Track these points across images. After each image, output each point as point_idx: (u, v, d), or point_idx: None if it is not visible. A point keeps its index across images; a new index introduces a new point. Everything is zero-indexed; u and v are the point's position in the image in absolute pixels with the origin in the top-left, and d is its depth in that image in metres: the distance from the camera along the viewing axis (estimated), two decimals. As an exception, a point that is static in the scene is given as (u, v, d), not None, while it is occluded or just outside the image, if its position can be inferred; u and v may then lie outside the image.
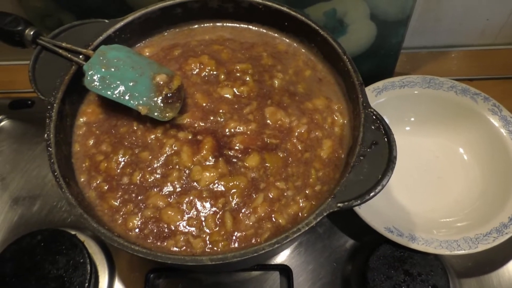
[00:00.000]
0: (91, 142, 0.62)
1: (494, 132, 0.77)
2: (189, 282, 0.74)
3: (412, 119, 0.83)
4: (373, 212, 0.70)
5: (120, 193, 0.58)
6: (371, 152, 0.55)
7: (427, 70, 0.94)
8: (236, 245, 0.55)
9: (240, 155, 0.60)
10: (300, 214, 0.57)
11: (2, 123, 0.90)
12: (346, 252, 0.75)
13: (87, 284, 0.69)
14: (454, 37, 0.94)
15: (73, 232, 0.73)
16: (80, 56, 0.63)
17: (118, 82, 0.61)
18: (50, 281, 0.69)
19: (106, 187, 0.59)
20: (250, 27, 0.72)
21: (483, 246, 0.67)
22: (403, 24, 0.80)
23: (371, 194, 0.52)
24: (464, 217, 0.73)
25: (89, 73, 0.61)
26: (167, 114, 0.61)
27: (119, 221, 0.57)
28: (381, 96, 0.80)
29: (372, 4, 0.77)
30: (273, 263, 0.75)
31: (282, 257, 0.76)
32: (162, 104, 0.62)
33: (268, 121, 0.63)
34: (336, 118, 0.64)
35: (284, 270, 0.72)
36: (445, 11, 0.87)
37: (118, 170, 0.60)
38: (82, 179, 0.60)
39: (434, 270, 0.68)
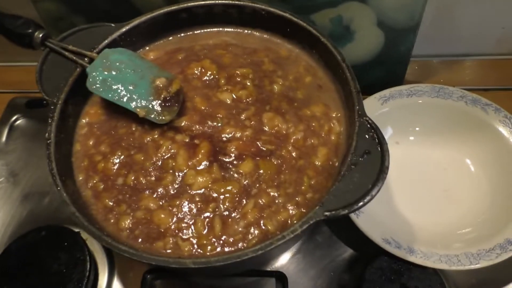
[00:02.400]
0: (91, 142, 0.64)
1: (504, 144, 0.74)
2: (186, 285, 0.74)
3: (417, 129, 0.81)
4: (372, 222, 0.69)
5: (114, 193, 0.59)
6: (363, 161, 0.54)
7: (439, 79, 0.92)
8: (224, 249, 0.55)
9: (234, 161, 0.60)
10: (289, 221, 0.56)
11: (18, 122, 0.94)
12: (344, 262, 0.74)
13: (85, 281, 0.70)
14: (468, 45, 0.91)
15: (76, 230, 0.75)
16: (85, 59, 0.65)
17: (119, 85, 0.63)
18: (51, 276, 0.70)
19: (101, 187, 0.60)
20: (254, 32, 0.73)
21: (485, 262, 0.65)
22: (412, 31, 0.78)
23: (360, 204, 0.51)
24: (468, 231, 0.70)
25: (92, 75, 0.62)
26: (163, 117, 0.62)
27: (112, 221, 0.58)
28: (387, 105, 0.79)
29: (379, 11, 0.75)
30: (269, 269, 0.75)
31: (279, 263, 0.75)
32: (159, 108, 0.63)
33: (265, 127, 0.63)
34: (333, 126, 0.63)
35: (280, 277, 0.72)
36: (458, 18, 0.84)
37: (114, 171, 0.61)
38: (80, 178, 0.61)
39: (433, 285, 0.66)
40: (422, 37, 0.82)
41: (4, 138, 0.92)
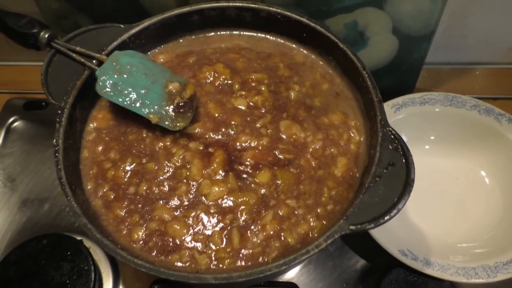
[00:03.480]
0: (100, 148, 0.61)
1: (518, 156, 0.73)
2: (194, 295, 0.72)
3: (432, 137, 0.80)
4: (387, 233, 0.68)
5: (126, 203, 0.57)
6: (388, 174, 0.53)
7: (449, 87, 0.91)
8: (243, 263, 0.53)
9: (250, 171, 0.58)
10: (310, 234, 0.55)
11: (16, 124, 0.90)
12: (357, 273, 0.73)
13: (90, 292, 0.67)
14: (480, 54, 0.91)
15: (79, 238, 0.72)
16: (94, 61, 0.62)
17: (130, 89, 0.60)
18: (53, 288, 0.67)
19: (112, 196, 0.57)
20: (268, 36, 0.71)
21: (503, 275, 0.64)
22: (427, 39, 0.77)
23: (386, 218, 0.50)
24: (483, 243, 0.70)
25: (102, 78, 0.60)
26: (178, 124, 0.60)
27: (124, 232, 0.55)
28: (400, 113, 0.78)
29: (395, 18, 0.74)
30: (280, 280, 0.73)
31: (290, 274, 0.74)
32: (173, 113, 0.60)
33: (283, 135, 0.61)
34: (353, 135, 0.61)
35: (292, 289, 0.70)
36: (471, 27, 0.84)
37: (125, 179, 0.58)
38: (89, 187, 0.59)
39: (449, 298, 0.65)
40: (434, 45, 0.81)
41: (0, 141, 0.88)
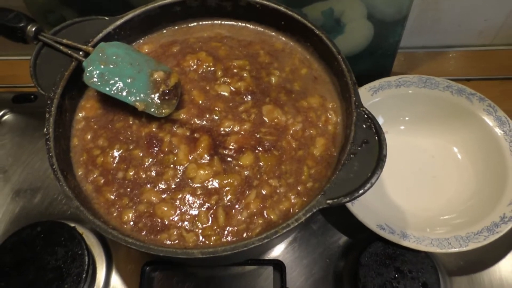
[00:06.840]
0: (89, 136, 0.64)
1: (488, 132, 0.77)
2: (184, 275, 0.75)
3: (407, 118, 0.83)
4: (366, 209, 0.71)
5: (115, 187, 0.60)
6: (362, 151, 0.56)
7: (424, 70, 0.95)
8: (228, 239, 0.56)
9: (234, 154, 0.61)
10: (291, 210, 0.58)
11: (5, 117, 0.92)
12: (339, 249, 0.76)
13: (84, 275, 0.70)
14: (452, 37, 0.94)
15: (72, 225, 0.75)
16: (80, 53, 0.64)
17: (116, 79, 0.63)
18: (48, 272, 0.70)
19: (102, 181, 0.60)
20: (248, 25, 0.73)
21: (474, 244, 0.68)
22: (400, 24, 0.80)
23: (360, 192, 0.53)
24: (457, 215, 0.74)
25: (88, 69, 0.62)
26: (163, 111, 0.62)
27: (115, 214, 0.58)
28: (377, 95, 0.81)
29: (369, 4, 0.77)
30: (267, 258, 0.76)
31: (276, 252, 0.77)
32: (158, 101, 0.63)
33: (265, 118, 0.64)
34: (330, 117, 0.65)
35: (278, 265, 0.73)
36: (443, 11, 0.87)
37: (114, 165, 0.61)
38: (79, 173, 0.61)
39: (425, 268, 0.69)
40: (409, 29, 0.84)
41: (-10, 134, 0.90)
